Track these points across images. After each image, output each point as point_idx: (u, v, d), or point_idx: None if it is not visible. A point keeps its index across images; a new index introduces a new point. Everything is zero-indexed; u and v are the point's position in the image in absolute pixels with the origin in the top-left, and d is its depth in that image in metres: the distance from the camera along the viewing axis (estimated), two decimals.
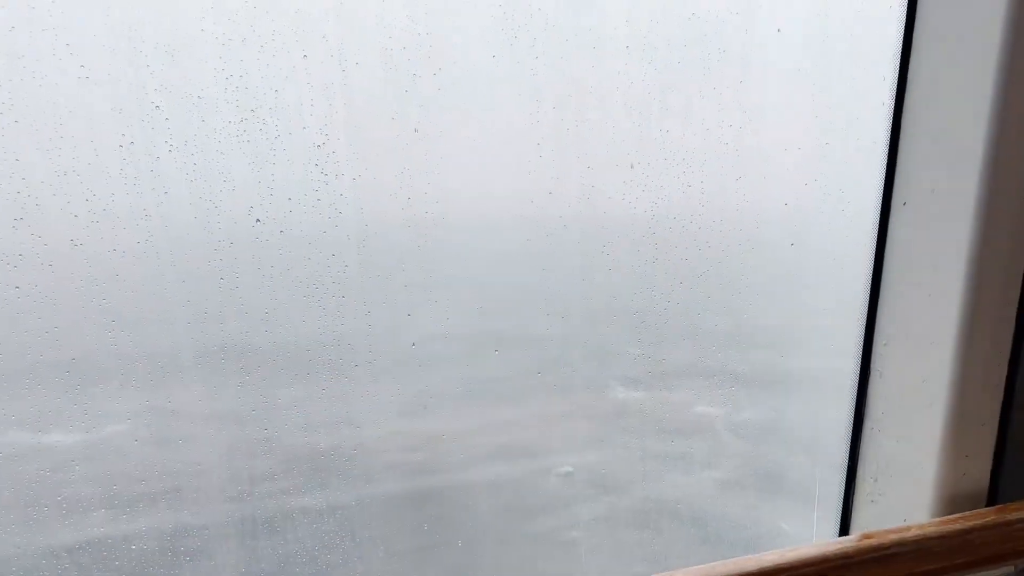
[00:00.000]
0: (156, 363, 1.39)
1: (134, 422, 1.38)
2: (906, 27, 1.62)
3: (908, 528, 1.50)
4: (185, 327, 1.37)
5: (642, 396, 1.77)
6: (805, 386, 1.93)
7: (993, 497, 1.67)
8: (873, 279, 1.74)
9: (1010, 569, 1.60)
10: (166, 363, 1.39)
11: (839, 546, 1.46)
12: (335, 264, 1.44)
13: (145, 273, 1.33)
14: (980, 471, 1.66)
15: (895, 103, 1.65)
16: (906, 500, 1.71)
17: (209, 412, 1.44)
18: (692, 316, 1.73)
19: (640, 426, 1.80)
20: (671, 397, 1.79)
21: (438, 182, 1.47)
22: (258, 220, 1.36)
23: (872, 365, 1.78)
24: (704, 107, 1.60)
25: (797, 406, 1.95)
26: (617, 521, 1.86)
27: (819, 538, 1.95)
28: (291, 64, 1.33)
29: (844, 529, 1.87)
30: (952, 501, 1.65)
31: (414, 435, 1.63)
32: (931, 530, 1.49)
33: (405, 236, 1.47)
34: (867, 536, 1.49)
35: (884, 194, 1.71)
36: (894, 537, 1.46)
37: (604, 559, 1.86)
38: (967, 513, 1.57)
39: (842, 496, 1.86)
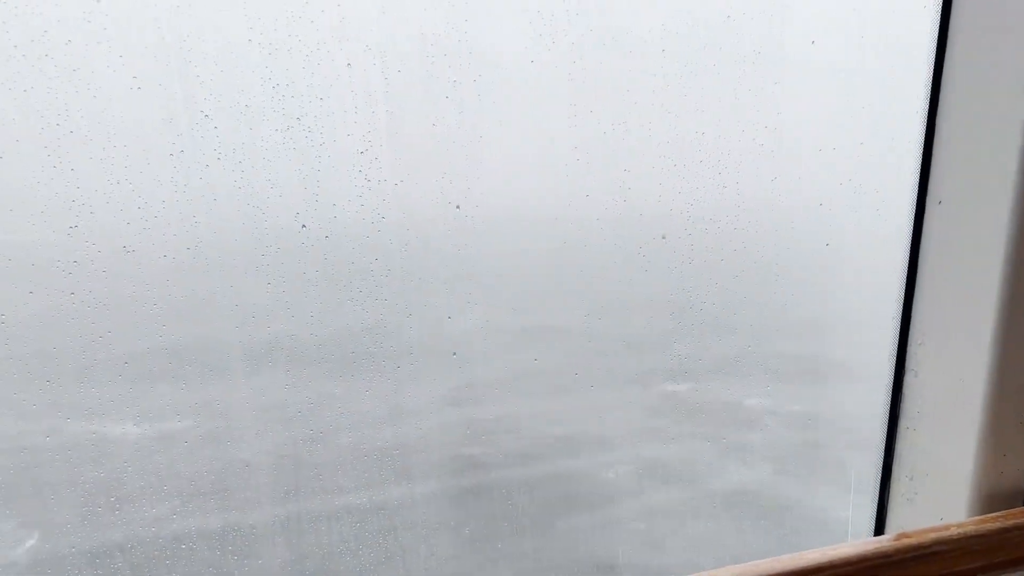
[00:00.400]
0: (205, 363, 1.42)
1: (186, 419, 1.41)
2: (941, 24, 1.61)
3: (947, 527, 1.50)
4: (234, 330, 1.40)
5: (687, 388, 1.79)
6: (840, 382, 1.94)
7: None
8: (908, 278, 1.74)
9: None
10: (215, 363, 1.42)
11: (877, 545, 1.47)
12: (378, 268, 1.46)
13: (195, 278, 1.36)
14: (1018, 469, 1.66)
15: (929, 100, 1.65)
16: (942, 499, 1.71)
17: (256, 408, 1.47)
18: (730, 314, 1.74)
19: (688, 417, 1.81)
20: (715, 389, 1.81)
21: (478, 186, 1.49)
22: (304, 226, 1.39)
23: (907, 364, 1.78)
24: (739, 108, 1.61)
25: (836, 402, 1.96)
26: (680, 512, 1.89)
27: (854, 537, 1.96)
28: (335, 72, 1.36)
29: (880, 527, 1.88)
30: (989, 500, 1.65)
31: (466, 425, 1.66)
32: (970, 529, 1.49)
33: (446, 238, 1.49)
34: (905, 535, 1.49)
35: (919, 192, 1.71)
36: (934, 536, 1.47)
37: (671, 549, 1.88)
38: (1005, 512, 1.58)
39: (877, 495, 1.86)
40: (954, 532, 1.48)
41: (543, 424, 1.71)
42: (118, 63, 1.24)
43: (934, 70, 1.66)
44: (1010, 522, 1.52)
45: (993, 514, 1.56)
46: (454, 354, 1.55)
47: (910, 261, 1.75)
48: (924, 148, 1.69)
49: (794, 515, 1.95)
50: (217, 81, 1.29)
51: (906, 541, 1.49)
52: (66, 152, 1.24)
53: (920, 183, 1.72)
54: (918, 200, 1.73)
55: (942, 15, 1.63)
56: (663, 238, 1.60)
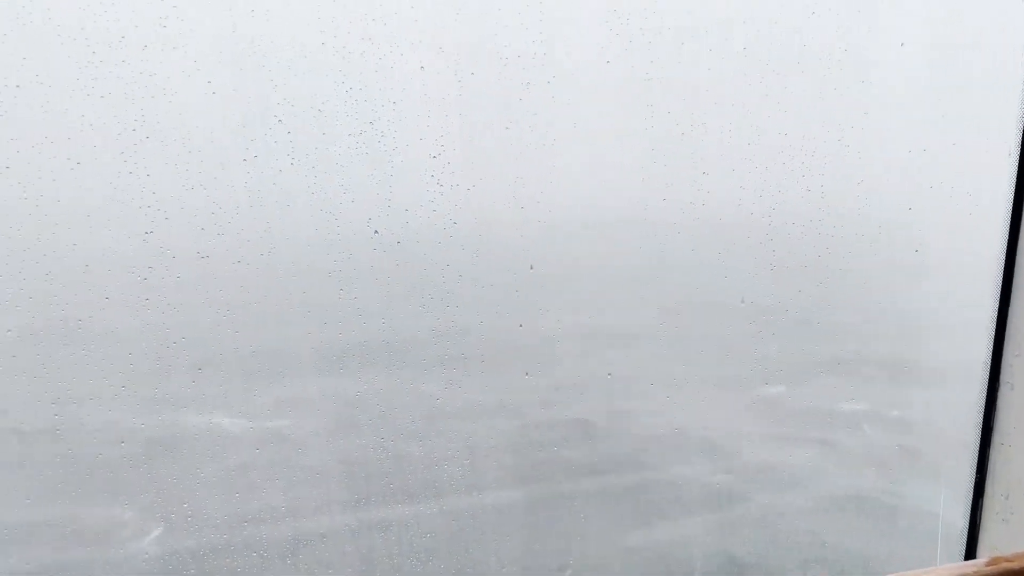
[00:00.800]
0: (277, 364, 1.41)
1: (260, 417, 1.41)
2: None
3: None
4: (305, 334, 1.39)
5: (782, 391, 1.73)
6: (935, 388, 1.86)
7: None
8: (1003, 287, 1.65)
9: None
10: (288, 364, 1.41)
11: (974, 569, 1.38)
12: (449, 273, 1.44)
13: (268, 283, 1.35)
14: None
15: None
16: None
17: (327, 410, 1.46)
18: (817, 318, 1.68)
19: (782, 419, 1.76)
20: (809, 393, 1.76)
21: (551, 189, 1.45)
22: (376, 232, 1.37)
23: (1001, 377, 1.69)
24: (824, 108, 1.54)
25: (932, 408, 1.88)
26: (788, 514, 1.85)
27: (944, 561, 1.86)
28: (408, 76, 1.33)
29: (971, 548, 1.78)
30: None
31: (557, 426, 1.64)
32: None
33: (519, 243, 1.46)
34: (1003, 559, 1.41)
35: (1015, 197, 1.62)
36: None
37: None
38: None
39: (968, 515, 1.77)
40: None
41: (639, 427, 1.68)
42: (193, 69, 1.23)
43: None
44: None
45: None
46: (531, 357, 1.52)
47: (1005, 269, 1.66)
48: (1021, 152, 1.61)
49: (897, 522, 1.88)
50: (291, 86, 1.28)
51: (1005, 566, 1.40)
52: (142, 158, 1.24)
53: (1017, 188, 1.63)
54: (1014, 205, 1.64)
55: None
56: (748, 239, 1.55)
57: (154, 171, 1.25)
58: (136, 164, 1.24)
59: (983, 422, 1.72)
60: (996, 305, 1.67)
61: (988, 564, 1.40)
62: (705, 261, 1.59)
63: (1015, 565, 1.39)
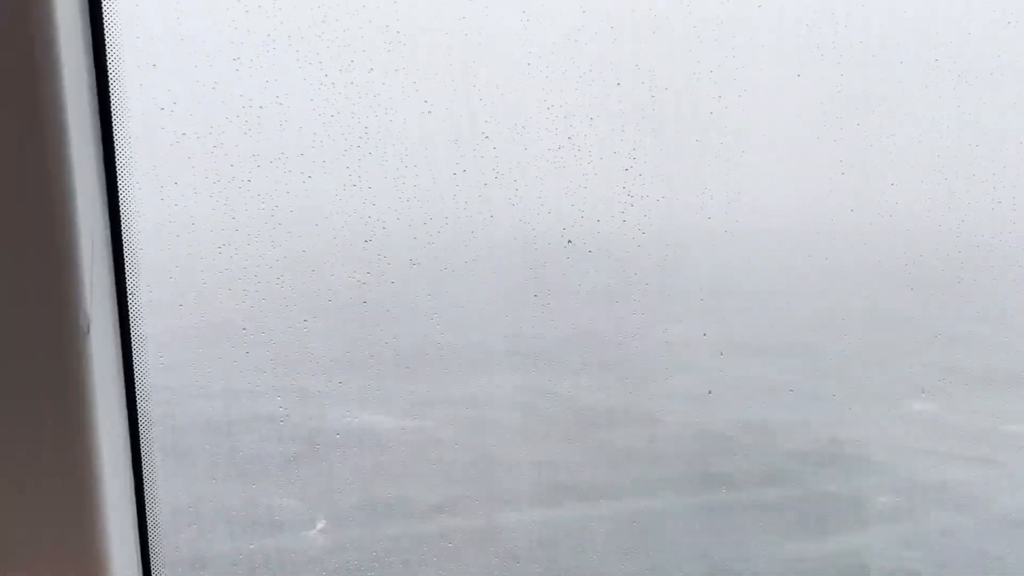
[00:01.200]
0: (470, 362, 1.50)
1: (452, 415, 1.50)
2: None
3: None
4: (502, 339, 1.47)
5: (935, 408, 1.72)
6: None
7: None
8: None
9: None
10: (482, 361, 1.50)
11: None
12: (637, 282, 1.49)
13: (470, 290, 1.44)
14: None
15: None
16: None
17: (519, 415, 1.55)
18: (983, 333, 1.65)
19: (943, 438, 1.74)
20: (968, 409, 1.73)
21: (739, 200, 1.49)
22: (569, 241, 1.44)
23: None
24: (1022, 119, 1.51)
25: None
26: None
27: None
28: (605, 92, 1.39)
29: None
30: None
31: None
32: None
33: (705, 253, 1.50)
34: None
35: None
36: None
37: None
38: None
39: None
40: None
41: (799, 440, 1.69)
42: (412, 88, 1.33)
43: None
44: None
45: None
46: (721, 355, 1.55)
47: None
48: None
49: None
50: (497, 103, 1.36)
51: None
52: (364, 172, 1.34)
53: None
54: None
55: None
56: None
57: (374, 184, 1.35)
58: (359, 177, 1.34)
59: None
60: None
61: None
62: (887, 271, 1.58)
63: None
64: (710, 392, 1.61)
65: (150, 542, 1.24)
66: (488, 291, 1.43)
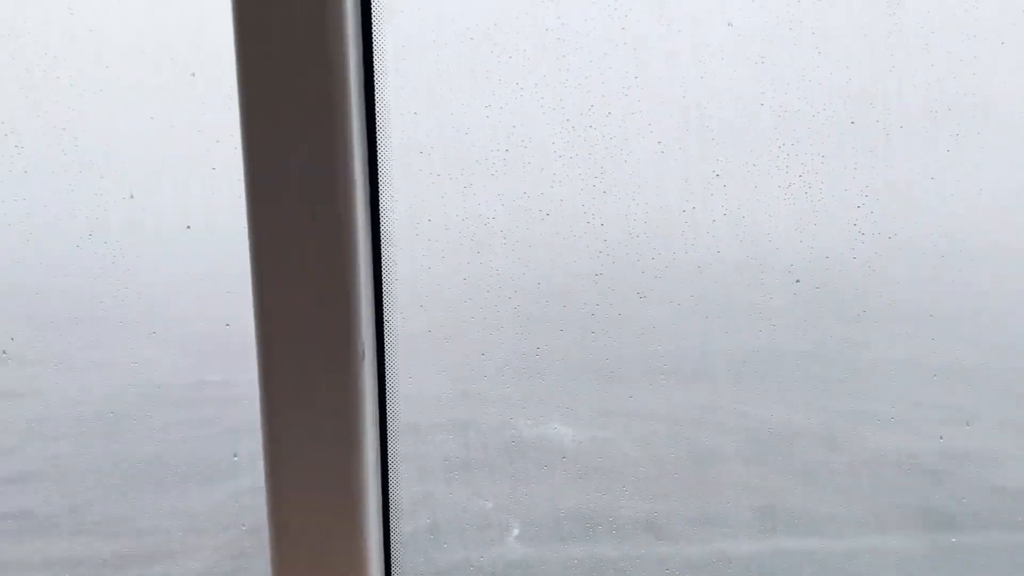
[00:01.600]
0: (688, 368, 1.54)
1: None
2: None
3: None
4: (724, 361, 1.50)
5: None
6: None
7: None
8: None
9: None
10: (700, 367, 1.53)
11: None
12: (866, 318, 1.48)
13: (690, 324, 1.48)
14: None
15: None
16: None
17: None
18: None
19: None
20: None
21: (966, 229, 1.45)
22: (797, 280, 1.45)
23: None
24: None
25: None
26: None
27: None
28: (839, 131, 1.40)
29: None
30: None
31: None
32: None
33: (930, 283, 1.47)
34: None
35: None
36: None
37: None
38: None
39: None
40: None
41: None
42: (647, 130, 1.39)
43: None
44: None
45: None
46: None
47: None
48: None
49: None
50: (730, 143, 1.40)
51: None
52: (598, 209, 1.42)
53: None
54: None
55: None
56: None
57: (607, 220, 1.42)
58: (593, 215, 1.42)
59: None
60: None
61: None
62: None
63: None
64: None
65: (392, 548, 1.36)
66: (705, 327, 1.47)
